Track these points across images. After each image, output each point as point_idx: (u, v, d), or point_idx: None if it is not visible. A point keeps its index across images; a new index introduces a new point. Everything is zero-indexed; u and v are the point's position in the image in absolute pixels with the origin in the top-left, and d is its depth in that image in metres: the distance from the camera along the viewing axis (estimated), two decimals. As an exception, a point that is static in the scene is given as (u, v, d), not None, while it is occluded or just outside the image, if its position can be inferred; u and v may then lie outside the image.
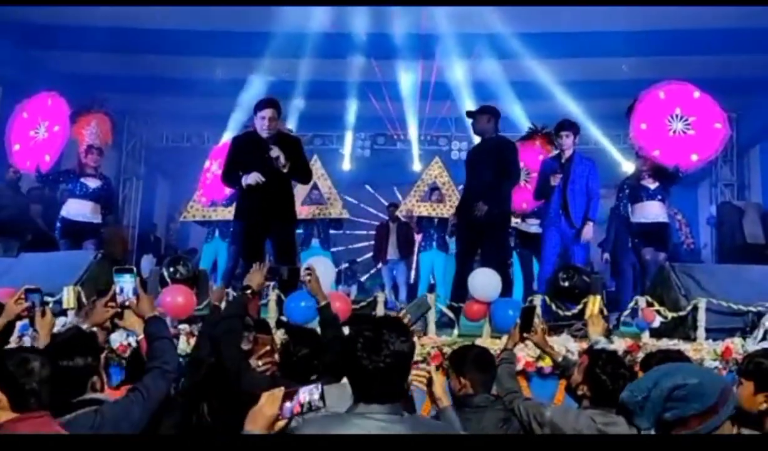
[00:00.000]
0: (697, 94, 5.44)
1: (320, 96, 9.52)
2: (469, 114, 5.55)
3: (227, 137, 9.65)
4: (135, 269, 2.62)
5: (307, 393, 1.80)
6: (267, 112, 4.67)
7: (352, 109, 10.39)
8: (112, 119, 6.50)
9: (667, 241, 5.79)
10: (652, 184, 5.72)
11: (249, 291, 3.04)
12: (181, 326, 4.09)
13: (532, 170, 6.66)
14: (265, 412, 1.77)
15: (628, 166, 10.21)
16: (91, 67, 8.61)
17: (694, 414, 1.72)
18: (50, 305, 4.14)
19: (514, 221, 6.65)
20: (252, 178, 4.62)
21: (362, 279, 11.40)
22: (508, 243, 5.71)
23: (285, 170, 4.63)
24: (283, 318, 4.24)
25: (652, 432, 1.86)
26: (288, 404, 1.79)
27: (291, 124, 9.46)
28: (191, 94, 9.47)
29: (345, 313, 4.00)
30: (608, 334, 3.50)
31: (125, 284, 2.55)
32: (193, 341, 3.65)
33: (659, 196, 5.72)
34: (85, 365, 2.22)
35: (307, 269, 3.40)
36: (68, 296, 4.15)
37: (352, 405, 1.80)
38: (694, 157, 5.43)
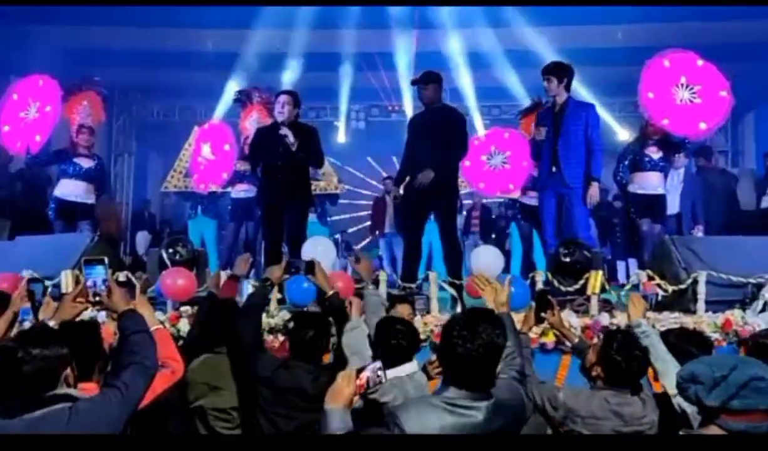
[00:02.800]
0: (700, 62, 5.36)
1: (313, 68, 9.36)
2: (415, 82, 5.15)
3: (220, 112, 9.55)
4: (106, 260, 2.47)
5: (371, 371, 1.97)
6: (282, 98, 4.99)
7: (346, 81, 10.25)
8: (104, 98, 6.37)
9: (664, 212, 5.78)
10: (656, 154, 5.66)
11: (268, 283, 3.22)
12: (183, 308, 4.07)
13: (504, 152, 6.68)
14: (344, 390, 1.93)
15: (623, 135, 10.20)
16: (78, 41, 8.44)
17: (764, 409, 1.73)
18: (49, 290, 4.16)
19: (516, 196, 6.65)
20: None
21: (358, 251, 11.39)
22: (455, 214, 5.44)
23: (293, 149, 4.80)
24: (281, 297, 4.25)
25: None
26: (359, 382, 1.96)
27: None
28: (182, 68, 9.32)
29: (348, 292, 3.99)
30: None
31: (96, 276, 2.40)
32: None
33: (660, 167, 5.68)
34: (57, 356, 1.99)
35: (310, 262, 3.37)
36: (66, 280, 4.12)
37: (441, 387, 1.95)
38: (703, 126, 5.35)
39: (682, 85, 5.33)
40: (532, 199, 6.37)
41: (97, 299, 2.38)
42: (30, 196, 6.83)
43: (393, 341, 2.71)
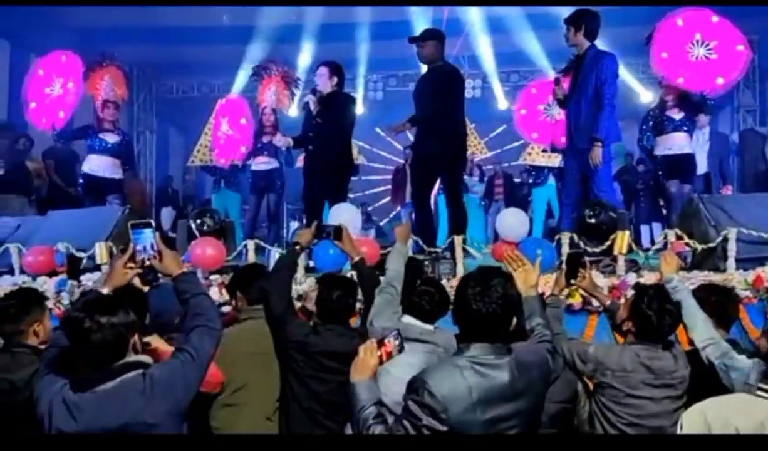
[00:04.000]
0: (715, 18, 5.30)
1: (329, 39, 9.31)
2: (413, 40, 4.88)
3: (238, 86, 9.56)
4: (153, 223, 2.36)
5: (392, 340, 2.01)
6: (319, 69, 5.19)
7: (362, 52, 10.18)
8: (125, 73, 6.41)
9: (692, 172, 5.72)
10: (678, 115, 5.62)
11: (298, 247, 3.19)
12: (213, 277, 4.14)
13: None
14: (368, 362, 1.98)
15: (647, 97, 10.04)
16: (97, 20, 8.46)
17: None
18: (84, 261, 4.26)
19: (555, 157, 6.54)
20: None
21: (380, 223, 11.43)
22: (461, 176, 5.32)
23: (314, 112, 4.97)
24: (311, 263, 4.29)
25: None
26: (380, 352, 2.00)
27: (301, 71, 9.31)
28: (198, 43, 9.32)
29: (374, 258, 4.02)
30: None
31: (144, 240, 2.29)
32: (225, 291, 3.69)
33: (685, 127, 5.62)
34: (125, 323, 1.94)
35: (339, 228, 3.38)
36: (101, 252, 4.20)
37: (463, 346, 1.97)
38: (720, 81, 5.30)
39: (697, 42, 5.26)
40: None
41: (148, 263, 2.29)
42: (61, 173, 6.93)
43: (417, 300, 2.72)
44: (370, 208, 11.53)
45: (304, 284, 4.08)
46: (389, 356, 2.01)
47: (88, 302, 2.01)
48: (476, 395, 1.84)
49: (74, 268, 4.24)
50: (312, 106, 4.98)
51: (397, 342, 2.02)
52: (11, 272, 4.44)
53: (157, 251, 2.28)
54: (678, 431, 2.52)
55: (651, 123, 5.81)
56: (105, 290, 2.26)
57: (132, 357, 1.96)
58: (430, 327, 2.69)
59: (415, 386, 1.86)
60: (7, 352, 2.50)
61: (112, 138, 5.89)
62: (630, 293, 3.30)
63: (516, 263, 2.42)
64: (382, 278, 3.04)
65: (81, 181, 5.90)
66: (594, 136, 4.55)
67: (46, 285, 4.10)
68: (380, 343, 2.02)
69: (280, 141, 5.69)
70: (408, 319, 2.69)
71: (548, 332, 2.32)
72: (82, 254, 4.30)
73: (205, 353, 2.08)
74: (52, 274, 4.27)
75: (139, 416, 1.88)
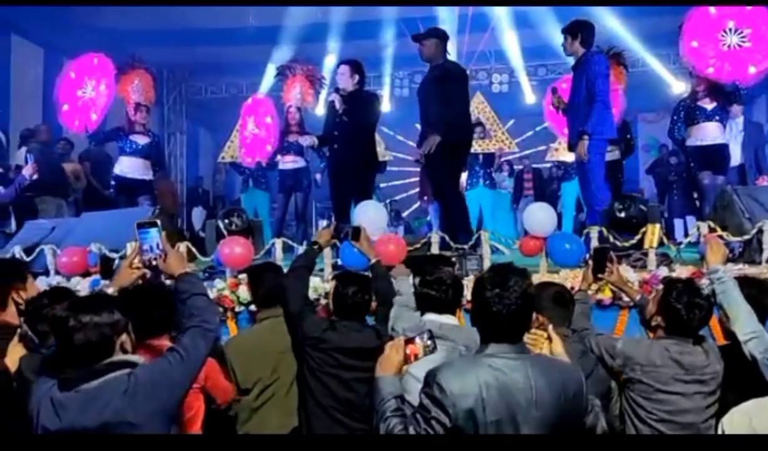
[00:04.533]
0: (749, 5, 5.16)
1: (355, 37, 9.33)
2: (416, 38, 4.93)
3: (264, 86, 9.64)
4: (159, 224, 2.34)
5: (423, 339, 2.00)
6: (339, 68, 5.21)
7: (388, 48, 10.18)
8: (153, 75, 6.51)
9: (725, 164, 5.57)
10: (709, 105, 5.47)
11: (316, 246, 3.24)
12: (241, 276, 4.18)
13: None
14: (393, 358, 1.98)
15: (679, 87, 9.83)
16: (126, 23, 8.61)
17: None
18: (116, 262, 4.34)
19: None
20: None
21: (407, 218, 11.44)
22: (458, 172, 5.27)
23: (340, 111, 4.96)
24: (339, 262, 4.30)
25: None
26: (408, 351, 1.99)
27: (327, 69, 9.35)
28: (225, 44, 9.42)
29: (400, 256, 4.02)
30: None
31: (151, 240, 2.27)
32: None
33: (717, 117, 5.47)
34: (110, 323, 1.90)
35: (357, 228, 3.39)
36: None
37: (482, 346, 1.94)
38: (752, 70, 5.15)
39: (729, 30, 5.14)
40: None
41: (154, 263, 2.28)
42: (96, 175, 7.09)
43: (427, 291, 2.71)
44: (399, 208, 11.55)
45: (332, 282, 4.10)
46: (416, 356, 2.00)
47: (74, 302, 2.00)
48: (486, 394, 1.80)
49: (107, 268, 4.33)
50: (337, 105, 4.99)
51: (428, 343, 2.00)
52: (47, 273, 4.54)
53: (162, 250, 2.27)
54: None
55: (682, 113, 5.68)
56: (111, 290, 2.28)
57: (119, 357, 1.93)
58: (451, 320, 2.67)
59: (428, 380, 1.86)
60: (39, 353, 2.48)
61: (142, 140, 5.99)
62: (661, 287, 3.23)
63: (540, 341, 2.23)
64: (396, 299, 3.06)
65: (113, 182, 6.02)
66: (581, 130, 4.64)
67: (80, 285, 4.19)
68: (409, 341, 2.01)
69: (306, 140, 5.72)
70: (427, 316, 2.67)
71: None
72: (114, 255, 4.38)
73: (197, 353, 2.04)
74: (85, 274, 4.37)
75: (121, 415, 1.85)
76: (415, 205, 10.94)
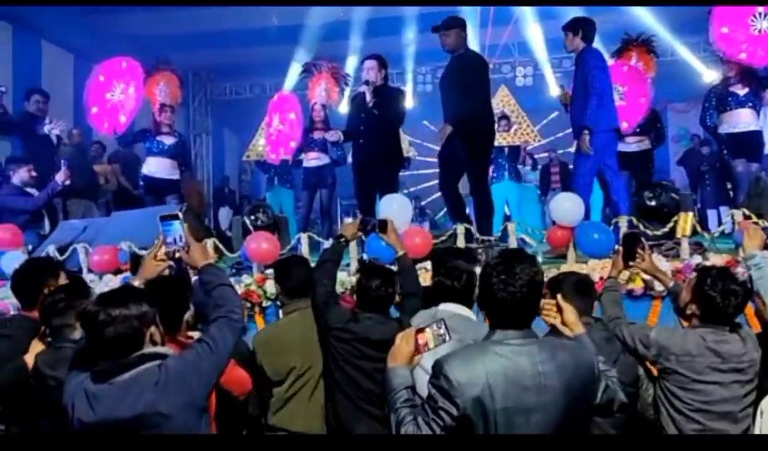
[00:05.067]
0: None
1: (377, 33, 9.33)
2: (435, 29, 4.92)
3: (288, 85, 9.69)
4: (181, 216, 2.35)
5: (435, 328, 1.97)
6: (366, 63, 5.23)
7: (410, 45, 10.15)
8: (179, 77, 6.59)
9: (759, 150, 5.43)
10: (742, 91, 5.36)
11: (343, 240, 3.23)
12: (268, 271, 4.21)
13: (623, 86, 6.10)
14: (403, 349, 1.97)
15: (709, 76, 9.61)
16: (152, 28, 8.74)
17: None
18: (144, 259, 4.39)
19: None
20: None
21: (431, 214, 11.38)
22: (485, 163, 5.21)
23: (369, 104, 5.00)
24: (365, 256, 4.29)
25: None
26: (420, 341, 1.97)
27: (350, 67, 9.37)
28: (249, 45, 9.50)
29: (426, 248, 4.01)
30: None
31: (174, 232, 2.29)
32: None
33: (750, 103, 5.35)
34: (138, 315, 1.92)
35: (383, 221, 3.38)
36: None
37: (488, 332, 1.93)
38: (785, 54, 5.05)
39: (759, 14, 5.02)
40: (629, 146, 6.06)
41: (177, 255, 2.29)
42: (126, 176, 7.22)
43: (444, 280, 2.68)
44: (423, 203, 11.50)
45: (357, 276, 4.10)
46: (426, 345, 1.97)
47: (103, 296, 2.02)
48: (493, 381, 1.78)
49: (137, 265, 4.39)
50: (368, 96, 5.04)
51: (440, 332, 1.97)
52: (79, 271, 4.63)
53: (186, 242, 2.28)
54: (758, 418, 2.41)
55: (714, 101, 5.56)
56: (136, 283, 2.31)
57: (149, 349, 1.95)
58: (464, 311, 2.63)
59: (435, 370, 1.85)
60: (54, 348, 2.54)
61: (168, 140, 6.06)
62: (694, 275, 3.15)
63: (553, 311, 2.22)
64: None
65: (141, 182, 6.12)
66: (581, 124, 4.68)
67: (112, 283, 4.26)
68: (419, 331, 1.99)
69: (332, 135, 5.74)
70: (442, 306, 2.64)
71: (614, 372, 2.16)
72: (143, 252, 4.44)
73: (224, 344, 2.04)
74: (116, 272, 4.44)
75: (153, 407, 1.87)
76: (435, 196, 10.88)
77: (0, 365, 2.61)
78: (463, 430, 1.79)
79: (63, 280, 2.86)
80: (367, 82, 5.12)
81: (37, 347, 2.65)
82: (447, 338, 1.97)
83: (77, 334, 2.49)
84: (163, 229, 2.30)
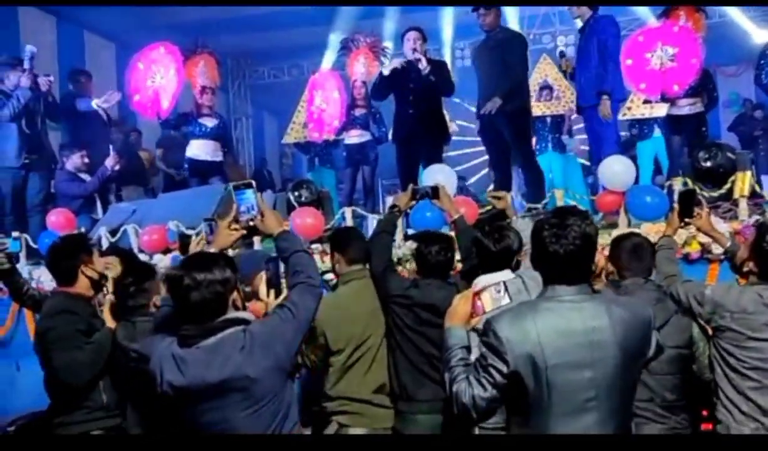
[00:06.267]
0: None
1: (413, 9, 9.20)
2: (476, 7, 5.05)
3: (326, 64, 9.67)
4: (254, 184, 2.33)
5: (493, 290, 1.94)
6: (411, 34, 5.12)
7: (447, 19, 9.98)
8: (217, 59, 6.62)
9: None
10: (801, 46, 5.08)
11: (396, 209, 3.21)
12: (314, 246, 4.23)
13: (673, 47, 5.92)
14: (460, 310, 1.97)
15: (760, 36, 9.17)
16: (187, 16, 8.81)
17: None
18: (192, 238, 4.46)
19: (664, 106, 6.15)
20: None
21: (472, 188, 11.22)
22: (529, 138, 5.30)
23: (425, 72, 4.94)
24: (409, 231, 4.27)
25: None
26: (478, 303, 1.95)
27: (387, 44, 9.27)
28: (284, 27, 9.49)
29: (472, 217, 3.96)
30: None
31: (247, 201, 2.27)
32: (326, 258, 3.74)
33: (809, 59, 5.08)
34: (223, 280, 1.96)
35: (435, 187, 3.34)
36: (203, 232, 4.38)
37: (542, 290, 1.90)
38: None
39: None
40: (682, 109, 5.87)
41: (251, 224, 2.28)
42: (168, 160, 7.34)
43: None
44: (468, 182, 11.35)
45: (403, 248, 4.09)
46: (484, 308, 1.94)
47: (187, 260, 2.07)
48: (544, 336, 1.76)
49: (185, 244, 4.46)
50: (423, 65, 4.95)
51: (498, 294, 1.94)
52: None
53: (259, 210, 2.27)
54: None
55: (771, 56, 5.29)
56: (212, 250, 2.28)
57: (233, 314, 2.00)
58: (507, 274, 2.56)
59: (485, 328, 1.84)
60: (131, 323, 2.66)
61: (210, 122, 6.10)
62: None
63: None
64: None
65: (185, 166, 6.20)
66: (600, 90, 4.67)
67: (162, 263, 4.35)
68: (478, 293, 1.97)
69: None
70: (480, 278, 2.58)
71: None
72: (191, 231, 4.51)
73: (306, 309, 2.07)
74: (165, 251, 4.54)
75: (241, 370, 1.91)
76: (481, 174, 10.73)
77: (88, 335, 2.70)
78: (514, 387, 1.78)
79: (96, 256, 2.89)
80: (414, 50, 5.05)
81: (109, 320, 2.77)
82: (505, 300, 1.93)
83: (152, 309, 2.59)
84: (237, 198, 2.29)
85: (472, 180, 11.18)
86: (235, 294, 2.02)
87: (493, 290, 1.95)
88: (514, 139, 4.93)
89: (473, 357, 1.90)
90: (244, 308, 2.09)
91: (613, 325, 1.80)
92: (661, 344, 1.99)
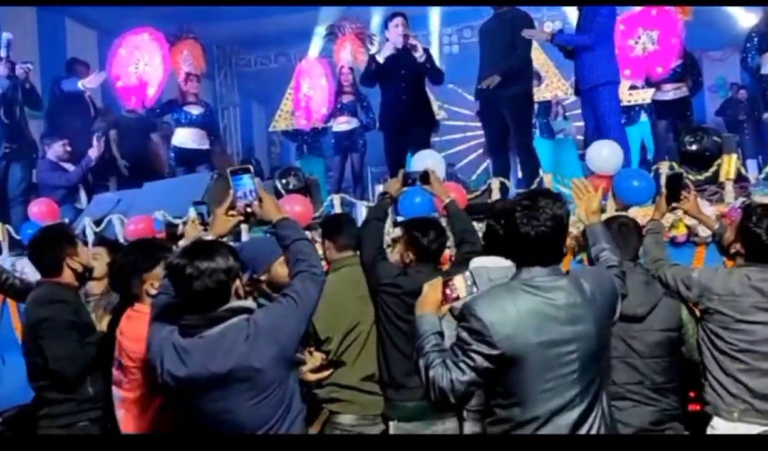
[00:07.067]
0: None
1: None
2: None
3: (314, 51, 9.59)
4: (252, 168, 2.26)
5: (462, 280, 1.94)
6: (397, 20, 5.05)
7: (434, 5, 9.92)
8: (202, 45, 6.55)
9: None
10: (786, 30, 5.11)
11: (387, 196, 3.17)
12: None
13: (653, 30, 5.93)
14: (430, 298, 1.96)
15: (747, 20, 9.17)
16: (173, 3, 8.68)
17: None
18: (180, 227, 4.43)
19: (650, 91, 6.14)
20: None
21: (460, 174, 11.21)
22: (529, 121, 5.17)
23: (421, 60, 4.92)
24: (399, 218, 4.25)
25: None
26: (447, 291, 1.94)
27: (374, 30, 9.20)
28: (270, 14, 9.37)
29: (461, 202, 3.94)
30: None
31: (244, 186, 2.19)
32: (317, 246, 3.71)
33: (794, 43, 5.10)
34: (225, 268, 1.92)
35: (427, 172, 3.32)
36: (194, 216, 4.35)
37: (515, 272, 1.92)
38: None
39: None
40: (666, 94, 5.89)
41: (249, 210, 2.20)
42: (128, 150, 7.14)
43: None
44: (456, 167, 11.32)
45: (392, 233, 4.07)
46: (456, 295, 1.93)
47: (188, 248, 2.00)
48: (525, 316, 1.78)
49: (172, 233, 4.43)
50: (419, 52, 4.92)
51: (467, 283, 1.93)
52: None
53: (257, 196, 2.20)
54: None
55: (756, 40, 5.35)
56: (209, 237, 2.23)
57: (236, 302, 1.96)
58: (504, 262, 2.55)
59: (464, 313, 1.84)
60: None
61: (195, 110, 6.05)
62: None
63: (581, 192, 2.29)
64: None
65: (172, 154, 6.13)
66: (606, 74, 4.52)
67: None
68: (447, 281, 1.96)
69: None
70: (476, 261, 2.58)
71: (616, 257, 2.18)
72: (177, 221, 4.47)
73: (308, 298, 2.04)
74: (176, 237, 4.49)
75: (246, 360, 1.88)
76: (469, 158, 10.71)
77: (79, 327, 2.66)
78: (499, 369, 1.79)
79: (81, 247, 2.83)
80: (405, 36, 5.01)
81: (105, 319, 2.72)
82: (474, 290, 1.93)
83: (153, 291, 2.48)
84: (234, 182, 2.21)
85: (460, 165, 11.16)
86: (237, 282, 1.99)
87: (464, 278, 1.95)
88: (516, 124, 4.84)
89: (447, 343, 1.90)
90: (246, 297, 2.06)
91: (586, 299, 1.87)
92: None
